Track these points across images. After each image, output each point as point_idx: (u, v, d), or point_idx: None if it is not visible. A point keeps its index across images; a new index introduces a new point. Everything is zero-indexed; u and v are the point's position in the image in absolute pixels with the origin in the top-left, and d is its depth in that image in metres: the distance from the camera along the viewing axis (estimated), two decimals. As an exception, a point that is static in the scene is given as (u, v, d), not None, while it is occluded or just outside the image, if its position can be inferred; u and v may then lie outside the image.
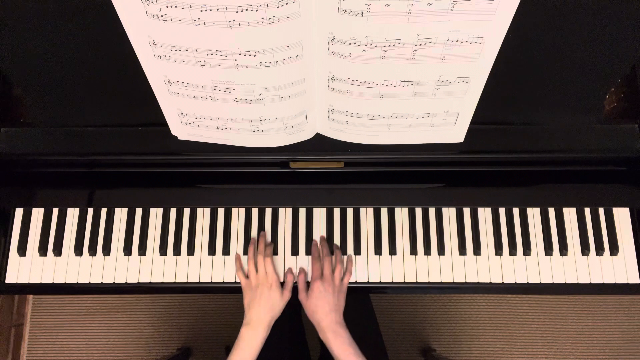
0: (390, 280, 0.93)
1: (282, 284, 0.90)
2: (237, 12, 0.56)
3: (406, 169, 0.90)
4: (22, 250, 0.95)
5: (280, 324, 0.87)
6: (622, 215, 0.94)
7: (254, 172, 0.90)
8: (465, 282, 0.93)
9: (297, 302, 0.89)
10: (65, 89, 0.81)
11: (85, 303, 1.66)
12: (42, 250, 0.94)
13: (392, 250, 0.94)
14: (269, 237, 0.95)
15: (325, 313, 0.82)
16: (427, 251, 0.94)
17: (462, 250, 0.93)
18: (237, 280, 0.92)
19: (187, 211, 0.97)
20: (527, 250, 0.93)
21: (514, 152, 0.84)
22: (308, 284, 0.90)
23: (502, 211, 0.96)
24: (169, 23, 0.59)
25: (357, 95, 0.70)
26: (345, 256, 0.94)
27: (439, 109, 0.74)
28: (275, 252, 0.94)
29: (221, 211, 0.97)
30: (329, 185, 0.90)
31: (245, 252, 0.94)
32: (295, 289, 0.90)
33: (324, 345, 0.84)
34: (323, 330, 0.82)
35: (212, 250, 0.95)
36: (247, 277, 0.89)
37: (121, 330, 1.64)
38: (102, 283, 0.94)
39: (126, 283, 0.94)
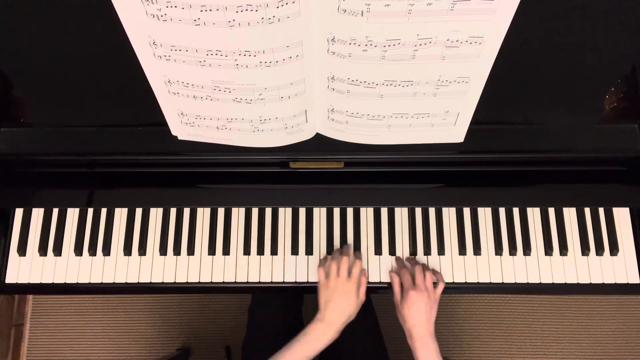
0: (390, 280, 0.93)
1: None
2: (237, 12, 0.56)
3: (406, 169, 0.90)
4: (22, 250, 0.95)
5: (281, 316, 0.86)
6: (622, 215, 0.94)
7: (254, 172, 0.90)
8: (465, 282, 0.93)
9: (298, 295, 0.87)
10: (65, 89, 0.81)
11: (85, 303, 1.66)
12: (42, 250, 0.94)
13: (392, 251, 0.94)
14: (268, 237, 0.95)
15: (417, 322, 0.82)
16: (427, 251, 0.94)
17: (462, 250, 0.93)
18: (237, 280, 0.93)
19: (187, 211, 0.97)
20: (527, 250, 0.93)
21: (514, 152, 0.84)
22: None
23: (502, 211, 0.96)
24: (169, 23, 0.59)
25: (357, 95, 0.70)
26: (428, 266, 0.92)
27: (439, 109, 0.74)
28: (275, 252, 0.95)
29: (221, 211, 0.97)
30: (329, 185, 0.90)
31: (245, 253, 0.94)
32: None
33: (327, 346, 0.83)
34: (413, 338, 0.82)
35: (212, 251, 0.95)
36: (327, 275, 0.85)
37: (121, 330, 1.64)
38: (102, 283, 0.94)
39: (126, 283, 0.94)
